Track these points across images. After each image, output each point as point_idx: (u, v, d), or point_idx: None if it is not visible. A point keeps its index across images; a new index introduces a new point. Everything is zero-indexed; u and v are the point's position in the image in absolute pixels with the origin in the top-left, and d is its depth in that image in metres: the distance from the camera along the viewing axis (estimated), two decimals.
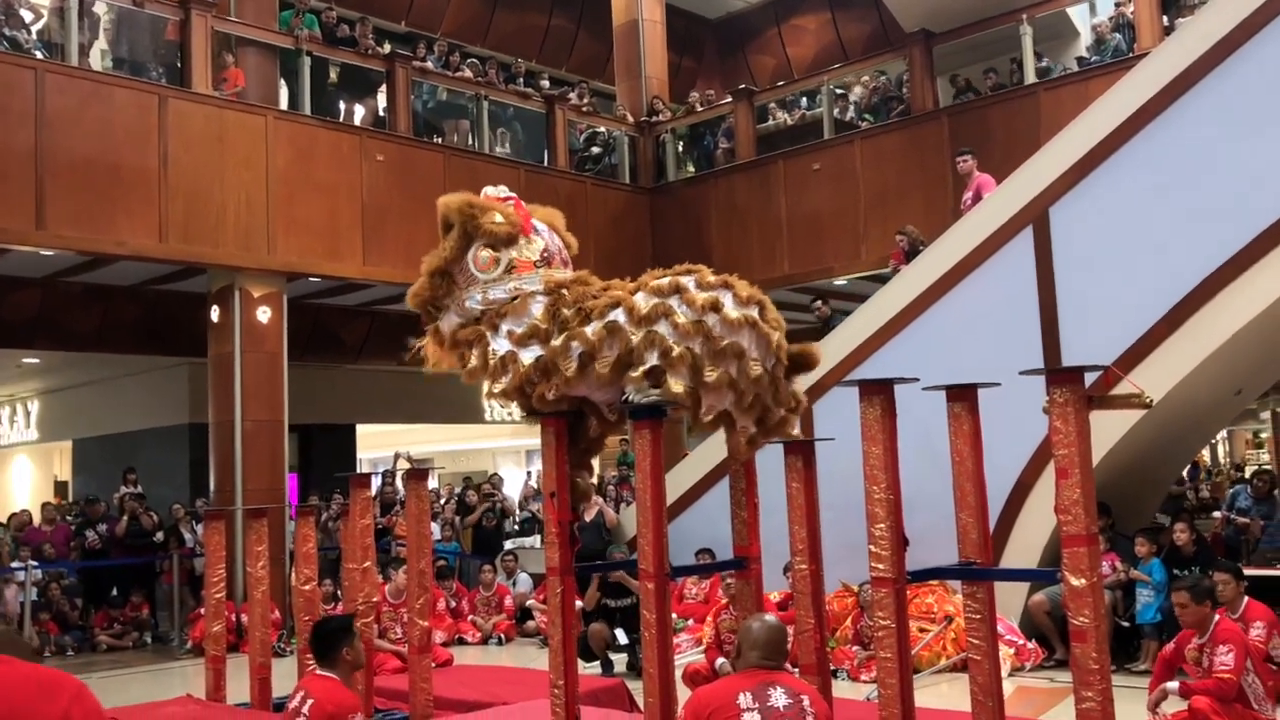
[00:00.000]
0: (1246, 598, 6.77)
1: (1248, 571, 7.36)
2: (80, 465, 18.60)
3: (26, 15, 11.24)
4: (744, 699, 3.69)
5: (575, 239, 5.66)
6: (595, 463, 18.07)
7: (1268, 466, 17.97)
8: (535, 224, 5.45)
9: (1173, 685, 5.75)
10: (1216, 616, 5.81)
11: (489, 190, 5.59)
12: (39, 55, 11.02)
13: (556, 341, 4.97)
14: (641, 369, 4.77)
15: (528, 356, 5.01)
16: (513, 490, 16.97)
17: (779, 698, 3.70)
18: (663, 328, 4.75)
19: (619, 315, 4.87)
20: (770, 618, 4.09)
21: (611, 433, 5.74)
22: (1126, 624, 8.56)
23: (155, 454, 15.65)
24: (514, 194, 5.58)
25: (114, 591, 12.68)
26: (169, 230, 11.21)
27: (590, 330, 4.90)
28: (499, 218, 5.29)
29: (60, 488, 20.17)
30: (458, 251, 5.26)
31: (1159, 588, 8.33)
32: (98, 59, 11.80)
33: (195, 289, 12.70)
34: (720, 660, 7.81)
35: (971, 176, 10.89)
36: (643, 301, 4.85)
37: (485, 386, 5.22)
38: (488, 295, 5.20)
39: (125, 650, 12.05)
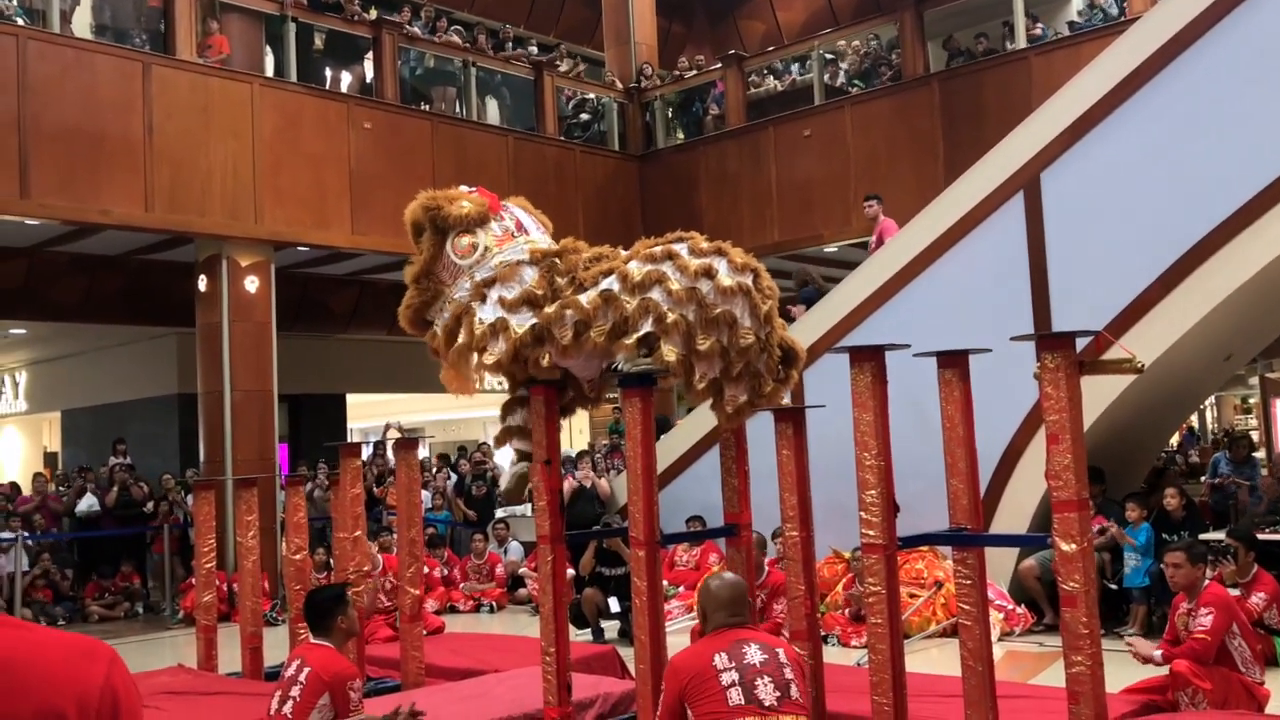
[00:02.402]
0: (1257, 566, 6.79)
1: None
2: (69, 436, 18.54)
3: None
4: (720, 659, 3.69)
5: (549, 219, 5.64)
6: (586, 431, 17.92)
7: (1253, 430, 18.06)
8: (504, 203, 5.45)
9: (1157, 653, 5.77)
10: (1207, 581, 5.82)
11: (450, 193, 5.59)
12: (20, 22, 10.87)
13: (551, 309, 4.94)
14: (635, 335, 4.76)
15: (521, 323, 4.98)
16: (503, 459, 16.97)
17: (754, 654, 3.71)
18: (656, 294, 4.73)
19: (613, 283, 4.85)
20: (728, 575, 4.11)
21: (584, 406, 5.73)
22: (1114, 586, 8.60)
23: (144, 424, 15.60)
24: (474, 189, 5.57)
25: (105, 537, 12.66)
26: (154, 199, 11.12)
27: (585, 299, 4.87)
28: (464, 203, 5.27)
29: (50, 459, 20.12)
30: (435, 248, 5.24)
31: (1144, 550, 8.37)
32: (85, 27, 11.64)
33: (182, 258, 12.61)
34: None
35: (877, 221, 11.23)
36: (636, 269, 4.83)
37: (473, 359, 5.14)
38: (475, 278, 5.16)
39: (117, 620, 12.06)
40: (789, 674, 3.70)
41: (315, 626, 4.44)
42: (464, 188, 5.63)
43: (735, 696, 3.63)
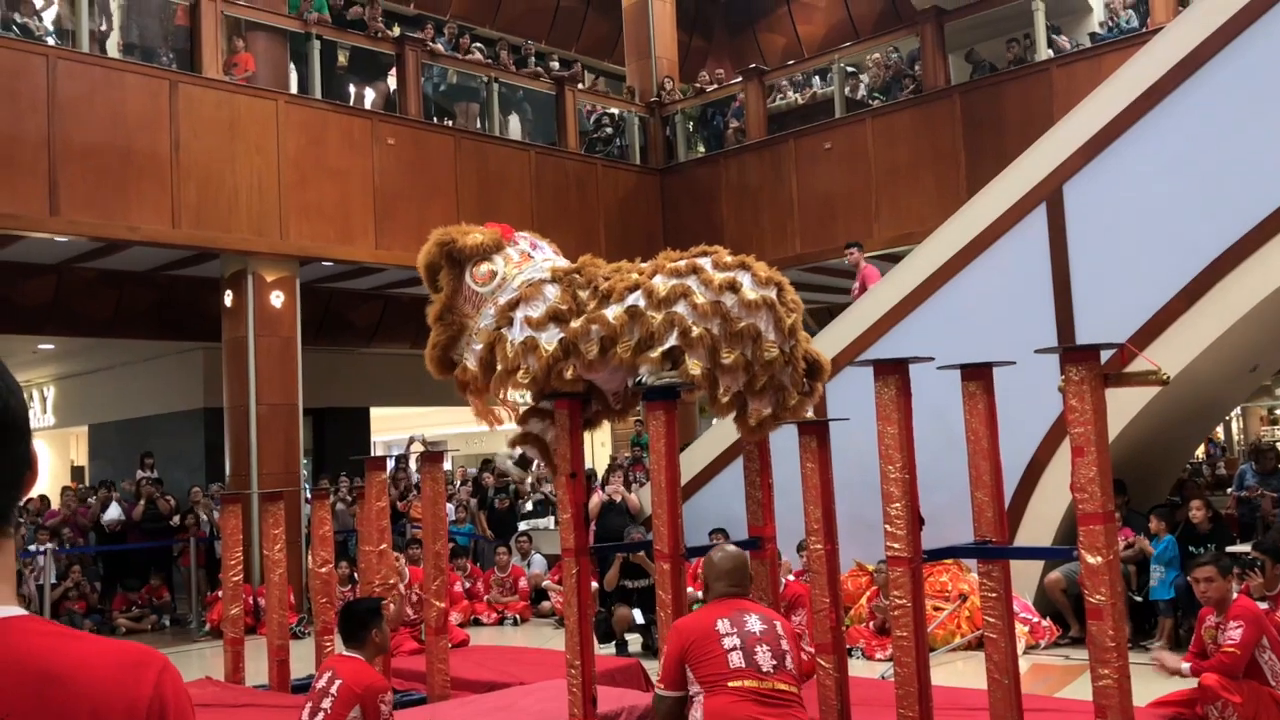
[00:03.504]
0: None
1: None
2: (96, 450, 18.70)
3: (38, 2, 11.24)
4: (722, 625, 3.92)
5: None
6: (607, 444, 17.92)
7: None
8: (515, 233, 5.52)
9: (1185, 666, 5.74)
10: (1235, 594, 5.79)
11: None
12: (51, 42, 11.02)
13: (576, 323, 4.98)
14: (660, 349, 4.79)
15: (549, 340, 5.02)
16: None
17: (754, 623, 3.94)
18: (681, 308, 4.77)
19: (638, 299, 4.88)
20: (730, 547, 4.38)
21: (610, 419, 5.76)
22: (1139, 599, 8.56)
23: (171, 438, 15.73)
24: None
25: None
26: (181, 215, 11.23)
27: (611, 314, 4.91)
28: (477, 234, 5.33)
29: (77, 473, 20.30)
30: (455, 281, 5.28)
31: (1167, 563, 8.33)
32: (113, 46, 11.81)
33: (208, 274, 12.73)
34: None
35: (859, 267, 11.61)
36: (661, 283, 4.87)
37: (508, 380, 5.18)
38: (499, 302, 5.19)
39: (144, 633, 12.14)
40: (785, 645, 3.94)
41: (349, 638, 4.48)
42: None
43: (736, 660, 3.84)
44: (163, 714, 1.17)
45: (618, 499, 11.44)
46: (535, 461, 5.88)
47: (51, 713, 1.11)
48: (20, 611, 1.18)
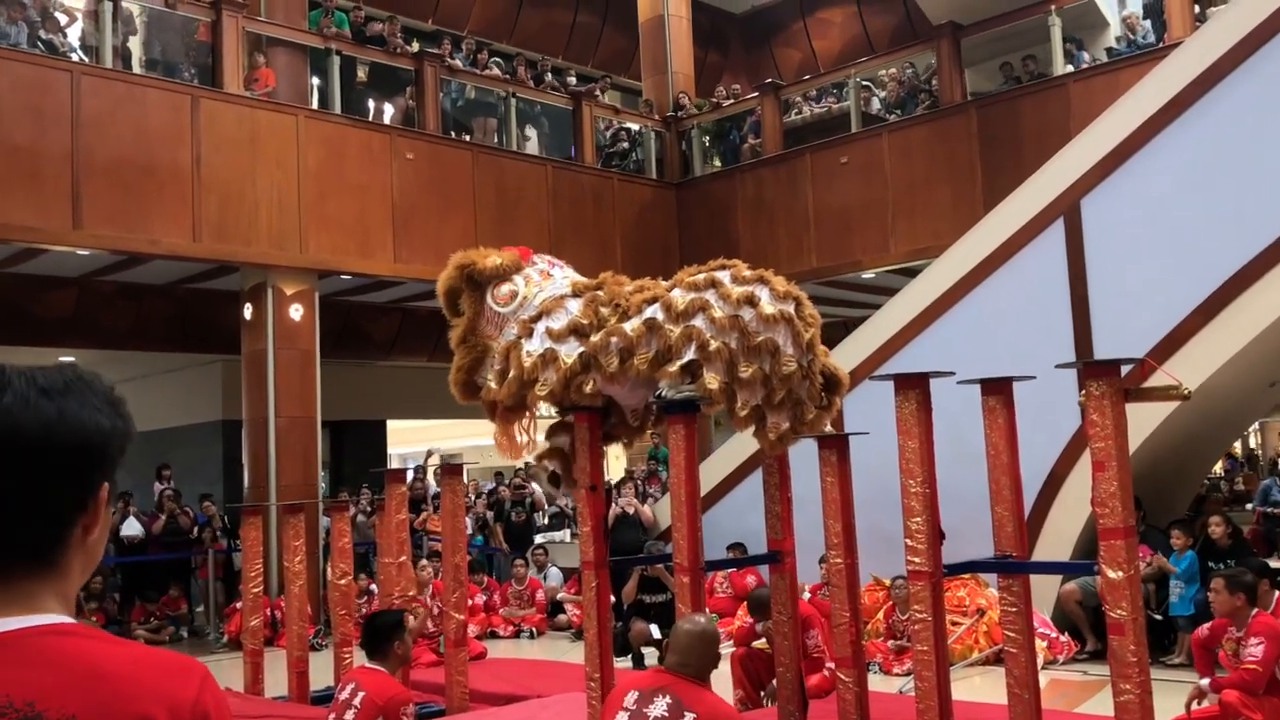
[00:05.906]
0: (1278, 593, 6.70)
1: None
2: None
3: (62, 19, 11.37)
4: (630, 698, 3.67)
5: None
6: (622, 457, 17.86)
7: None
8: (532, 255, 5.57)
9: (1205, 682, 5.73)
10: (1255, 610, 5.78)
11: None
12: (75, 58, 11.14)
13: (596, 337, 5.01)
14: (678, 363, 4.81)
15: (569, 352, 5.05)
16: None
17: (658, 707, 3.59)
18: (699, 321, 4.79)
19: (656, 312, 4.91)
20: (700, 619, 4.01)
21: (628, 435, 5.78)
22: (1159, 617, 8.52)
23: (189, 451, 15.81)
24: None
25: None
26: (202, 229, 11.32)
27: (629, 327, 4.94)
28: (495, 257, 5.38)
29: None
30: (476, 304, 5.33)
31: (1187, 578, 8.30)
32: (135, 62, 11.93)
33: (228, 287, 12.82)
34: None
35: None
36: (680, 297, 4.89)
37: (527, 392, 5.20)
38: (521, 318, 5.23)
39: (162, 644, 12.19)
40: None
41: (373, 650, 4.51)
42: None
43: None
44: (206, 718, 1.22)
45: (630, 511, 11.44)
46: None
47: (100, 708, 1.16)
48: (69, 619, 1.24)
